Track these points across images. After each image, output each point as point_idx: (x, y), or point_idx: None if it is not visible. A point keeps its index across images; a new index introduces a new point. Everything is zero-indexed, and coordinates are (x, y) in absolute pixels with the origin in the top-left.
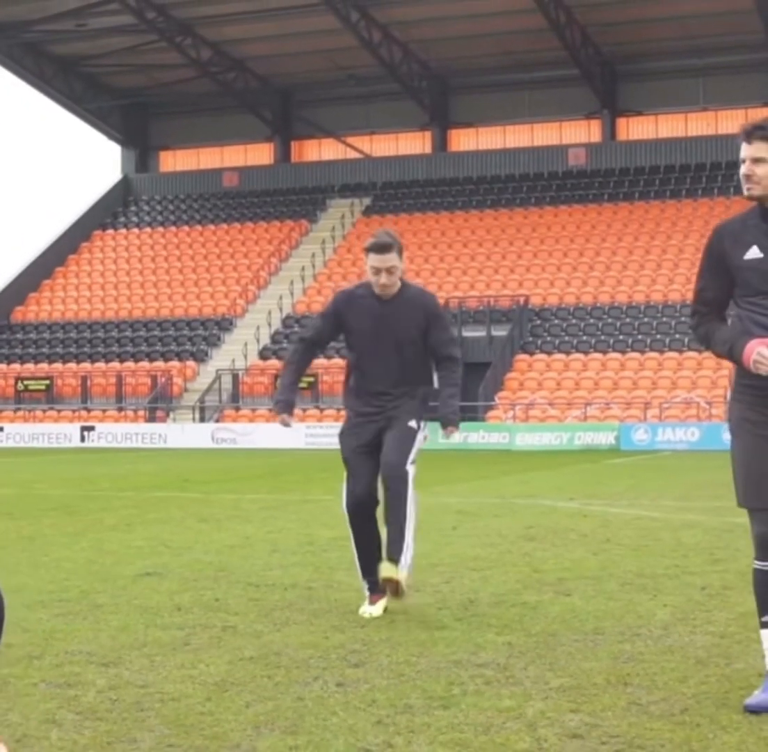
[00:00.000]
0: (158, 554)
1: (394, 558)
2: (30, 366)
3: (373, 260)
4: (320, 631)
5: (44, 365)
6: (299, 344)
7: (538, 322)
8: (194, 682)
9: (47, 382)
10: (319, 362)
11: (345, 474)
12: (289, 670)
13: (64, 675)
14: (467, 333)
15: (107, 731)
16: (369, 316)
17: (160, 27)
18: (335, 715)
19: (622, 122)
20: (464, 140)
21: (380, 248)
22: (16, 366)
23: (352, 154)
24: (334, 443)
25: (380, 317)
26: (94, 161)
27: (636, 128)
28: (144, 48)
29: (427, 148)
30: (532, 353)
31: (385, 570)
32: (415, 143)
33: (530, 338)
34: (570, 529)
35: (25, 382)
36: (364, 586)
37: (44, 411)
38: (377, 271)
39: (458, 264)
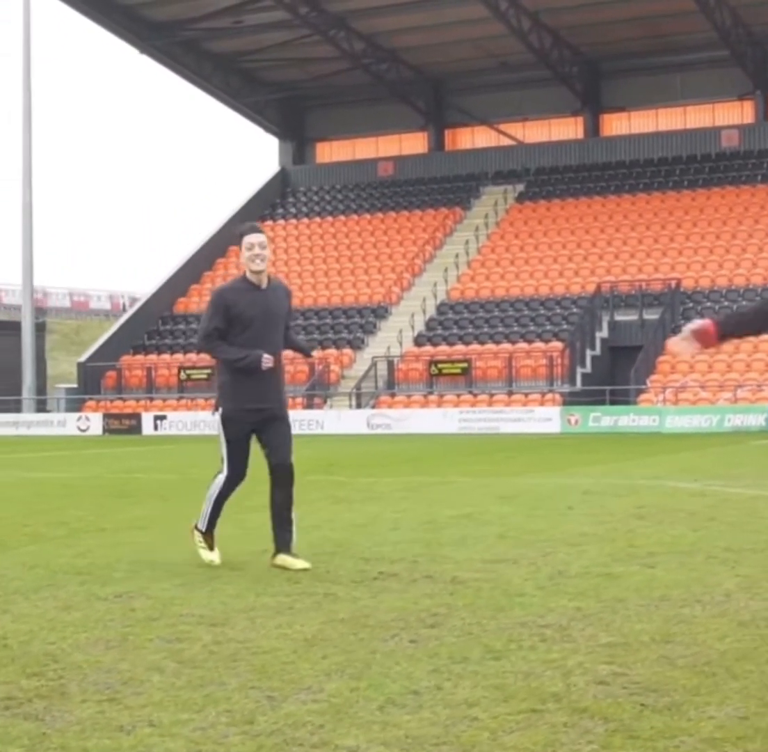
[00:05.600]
0: None
1: None
2: (192, 356)
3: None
4: (411, 598)
5: (206, 355)
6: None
7: (690, 305)
8: (287, 639)
9: (209, 371)
10: (473, 348)
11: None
12: (374, 629)
13: (175, 633)
14: (619, 317)
15: (201, 676)
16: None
17: (313, 21)
18: (398, 665)
19: None
20: (616, 124)
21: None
22: (179, 356)
23: (505, 141)
24: (487, 427)
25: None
26: (253, 154)
27: None
28: (298, 42)
29: (580, 134)
30: None
31: None
32: (567, 129)
33: (682, 321)
34: (680, 508)
35: (188, 371)
36: None
37: (206, 399)
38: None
39: (611, 248)
